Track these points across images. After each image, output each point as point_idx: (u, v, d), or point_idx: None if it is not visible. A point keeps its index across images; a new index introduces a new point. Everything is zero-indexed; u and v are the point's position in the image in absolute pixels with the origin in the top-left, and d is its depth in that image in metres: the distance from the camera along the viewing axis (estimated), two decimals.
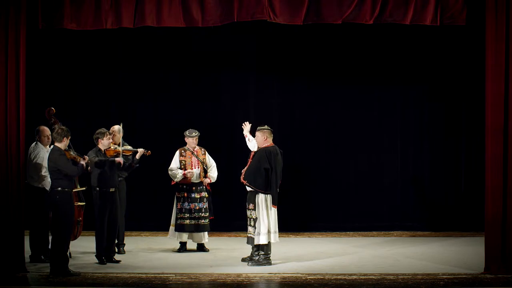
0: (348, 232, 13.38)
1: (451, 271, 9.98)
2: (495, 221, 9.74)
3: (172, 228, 11.41)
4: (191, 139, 11.35)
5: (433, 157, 13.68)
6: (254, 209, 10.35)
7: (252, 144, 10.73)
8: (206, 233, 11.38)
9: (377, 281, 9.38)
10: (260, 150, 10.42)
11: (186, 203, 11.29)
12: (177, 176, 11.30)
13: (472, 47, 12.91)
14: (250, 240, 10.40)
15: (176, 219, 11.33)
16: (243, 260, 10.55)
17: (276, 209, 10.36)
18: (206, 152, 11.49)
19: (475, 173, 13.25)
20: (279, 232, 10.44)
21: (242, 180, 10.40)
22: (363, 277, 9.60)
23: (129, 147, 10.94)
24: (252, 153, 10.55)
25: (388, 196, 13.63)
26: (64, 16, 10.00)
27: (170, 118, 13.48)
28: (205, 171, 11.43)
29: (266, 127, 10.53)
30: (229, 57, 13.51)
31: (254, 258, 10.36)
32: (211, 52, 13.46)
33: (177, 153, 11.41)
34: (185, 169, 11.30)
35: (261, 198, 10.31)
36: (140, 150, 10.87)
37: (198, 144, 11.46)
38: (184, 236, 11.35)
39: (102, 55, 13.43)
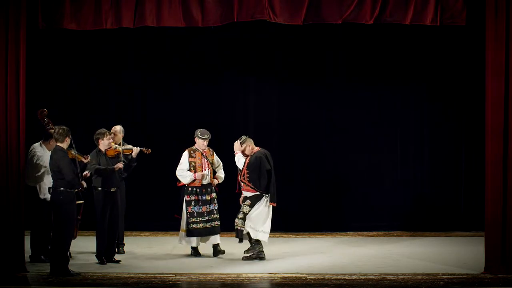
0: (348, 232, 13.37)
1: (451, 271, 9.98)
2: (495, 221, 9.74)
3: (182, 233, 11.01)
4: (202, 141, 11.02)
5: (433, 157, 13.68)
6: (251, 207, 10.57)
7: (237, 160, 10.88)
8: (218, 235, 11.10)
9: (377, 281, 9.38)
10: (256, 155, 10.66)
11: (197, 207, 10.93)
12: (187, 178, 11.00)
13: (472, 47, 12.91)
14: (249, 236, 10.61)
15: (188, 223, 10.93)
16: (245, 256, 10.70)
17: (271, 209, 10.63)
18: (214, 153, 11.23)
19: (475, 173, 13.25)
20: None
21: (243, 180, 10.56)
22: (363, 277, 9.61)
23: (130, 146, 10.94)
24: (247, 161, 10.67)
25: (388, 196, 13.62)
26: (64, 16, 10.00)
27: (170, 118, 13.47)
28: (214, 172, 11.20)
29: (243, 137, 10.79)
30: (229, 57, 13.51)
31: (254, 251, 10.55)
32: (211, 52, 13.46)
33: (186, 154, 11.07)
34: (195, 171, 10.98)
35: (264, 199, 10.58)
36: (137, 149, 10.82)
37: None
38: (194, 241, 11.00)
39: (102, 55, 13.42)
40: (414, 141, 13.72)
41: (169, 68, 13.54)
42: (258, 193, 10.61)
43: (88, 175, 10.34)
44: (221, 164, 11.26)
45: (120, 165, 10.45)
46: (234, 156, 10.89)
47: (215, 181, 11.14)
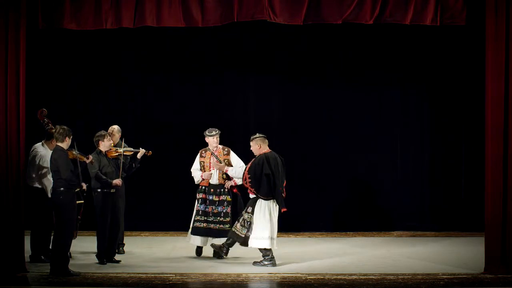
0: (348, 232, 13.38)
1: (451, 271, 9.98)
2: (495, 221, 9.73)
3: (190, 230, 10.91)
4: (211, 138, 10.79)
5: (433, 157, 13.68)
6: (252, 213, 10.30)
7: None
8: (225, 239, 10.73)
9: (377, 281, 9.38)
10: (259, 157, 10.41)
11: (203, 206, 10.78)
12: (195, 178, 10.90)
13: (472, 47, 12.92)
14: (241, 239, 10.34)
15: (193, 221, 10.82)
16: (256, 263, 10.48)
17: (277, 215, 10.33)
18: (231, 152, 10.91)
19: (475, 173, 13.24)
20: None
21: (244, 184, 10.45)
22: (363, 277, 9.61)
23: (130, 148, 10.92)
24: (250, 163, 10.51)
25: (388, 196, 13.63)
26: (64, 16, 9.99)
27: (170, 118, 13.47)
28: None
29: (257, 135, 10.51)
30: (229, 57, 13.51)
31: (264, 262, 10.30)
32: (211, 52, 13.46)
33: (198, 154, 10.95)
34: (204, 170, 10.84)
35: (263, 204, 10.28)
36: (141, 151, 10.80)
37: (221, 144, 10.90)
38: (198, 240, 10.85)
39: (102, 55, 13.43)
40: (414, 141, 13.73)
41: (169, 68, 13.54)
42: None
43: (92, 162, 10.18)
44: (243, 164, 10.77)
45: (118, 182, 10.39)
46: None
47: (229, 183, 10.83)
